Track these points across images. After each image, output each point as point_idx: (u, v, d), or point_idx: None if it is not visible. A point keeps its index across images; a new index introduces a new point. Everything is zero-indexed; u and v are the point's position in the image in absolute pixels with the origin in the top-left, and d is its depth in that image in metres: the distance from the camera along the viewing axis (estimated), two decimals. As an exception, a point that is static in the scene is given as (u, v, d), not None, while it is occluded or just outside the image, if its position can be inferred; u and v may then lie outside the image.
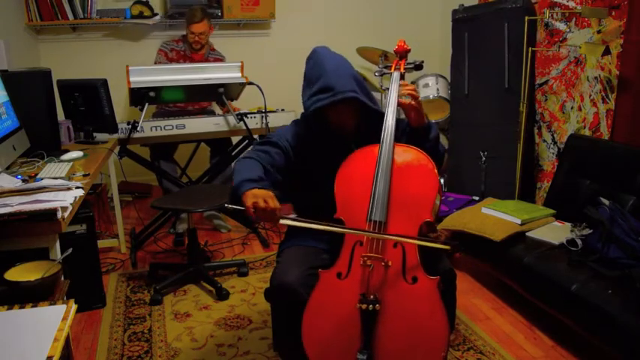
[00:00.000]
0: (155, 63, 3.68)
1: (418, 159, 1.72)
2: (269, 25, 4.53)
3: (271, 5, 4.31)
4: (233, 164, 3.57)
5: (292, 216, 1.60)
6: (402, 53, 1.97)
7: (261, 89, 3.16)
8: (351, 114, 1.80)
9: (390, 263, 1.60)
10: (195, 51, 3.66)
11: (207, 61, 3.71)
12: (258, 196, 1.54)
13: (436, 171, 1.70)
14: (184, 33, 3.70)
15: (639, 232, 2.17)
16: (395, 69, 1.93)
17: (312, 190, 1.79)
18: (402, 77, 1.93)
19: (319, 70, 1.74)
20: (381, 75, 2.04)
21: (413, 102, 1.73)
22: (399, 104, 1.75)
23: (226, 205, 1.58)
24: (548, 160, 3.33)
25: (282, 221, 1.56)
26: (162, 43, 3.73)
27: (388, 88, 1.84)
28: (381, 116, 1.77)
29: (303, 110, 1.81)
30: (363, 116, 1.82)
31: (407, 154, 1.74)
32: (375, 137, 1.76)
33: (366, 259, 1.61)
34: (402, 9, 4.79)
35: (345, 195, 1.73)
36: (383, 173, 1.69)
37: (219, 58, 3.80)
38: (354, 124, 1.82)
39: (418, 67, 1.99)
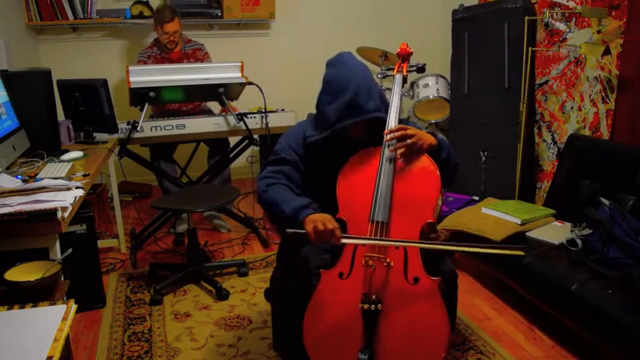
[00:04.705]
0: None
1: (420, 160, 1.73)
2: (269, 25, 4.53)
3: (271, 5, 4.31)
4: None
5: (350, 235, 1.64)
6: (405, 56, 1.98)
7: (261, 89, 3.15)
8: (369, 127, 1.78)
9: (391, 264, 1.60)
10: (170, 50, 3.61)
11: (185, 55, 3.68)
12: (317, 220, 1.58)
13: (438, 172, 1.70)
14: (155, 37, 3.65)
15: (639, 232, 2.17)
16: (397, 71, 1.94)
17: (315, 191, 1.78)
18: (404, 79, 1.94)
19: (346, 81, 1.71)
20: (384, 77, 2.05)
21: (405, 150, 1.70)
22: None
23: (287, 230, 1.61)
24: (548, 160, 3.33)
25: (343, 240, 1.59)
26: (138, 54, 3.64)
27: (388, 89, 1.84)
28: None
29: (311, 110, 1.80)
30: (377, 126, 1.79)
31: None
32: (380, 142, 1.75)
33: (367, 259, 1.61)
34: (402, 9, 4.79)
35: (347, 195, 1.73)
36: (385, 174, 1.69)
37: (198, 48, 3.75)
38: (368, 134, 1.80)
39: (420, 69, 2.01)
